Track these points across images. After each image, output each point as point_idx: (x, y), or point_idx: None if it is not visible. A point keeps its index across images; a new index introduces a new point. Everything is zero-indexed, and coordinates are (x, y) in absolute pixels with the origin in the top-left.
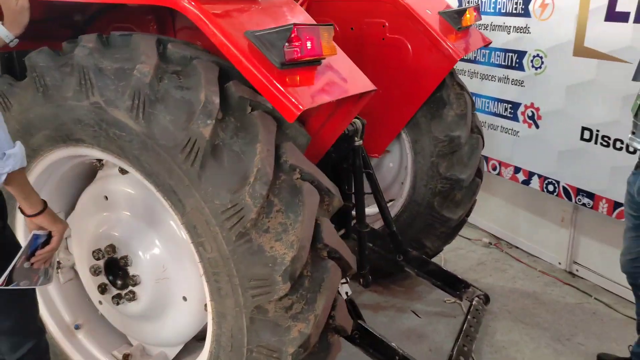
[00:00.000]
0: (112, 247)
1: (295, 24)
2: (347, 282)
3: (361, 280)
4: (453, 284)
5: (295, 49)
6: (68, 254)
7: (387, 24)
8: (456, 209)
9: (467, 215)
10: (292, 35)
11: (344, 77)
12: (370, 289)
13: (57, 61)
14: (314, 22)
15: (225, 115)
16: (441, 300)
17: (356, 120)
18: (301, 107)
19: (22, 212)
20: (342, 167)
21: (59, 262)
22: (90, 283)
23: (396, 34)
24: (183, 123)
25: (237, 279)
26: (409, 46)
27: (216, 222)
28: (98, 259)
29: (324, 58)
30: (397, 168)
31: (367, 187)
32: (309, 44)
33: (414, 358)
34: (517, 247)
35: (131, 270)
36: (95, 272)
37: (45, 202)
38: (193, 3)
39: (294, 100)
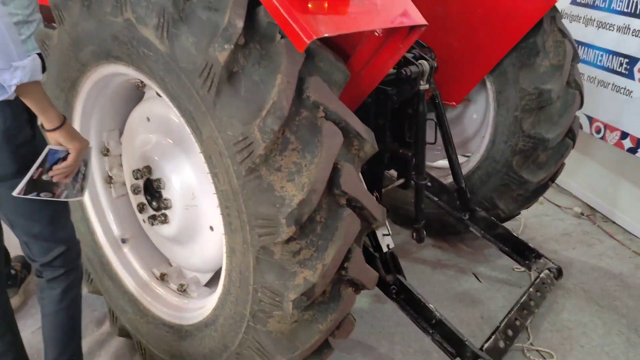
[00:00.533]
0: (148, 169)
1: None
2: (389, 234)
3: (414, 234)
4: (522, 252)
5: None
6: (121, 170)
7: None
8: (538, 171)
9: (552, 179)
10: None
11: (386, 7)
12: (434, 245)
13: None
14: None
15: (249, 41)
16: (510, 268)
17: (423, 61)
18: (313, 35)
19: (42, 126)
20: (404, 112)
21: (111, 178)
22: (133, 201)
23: None
24: (204, 46)
25: (245, 215)
26: None
27: (228, 154)
28: (137, 178)
29: None
30: (480, 120)
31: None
32: None
33: (452, 324)
34: (612, 222)
35: (164, 194)
36: (134, 191)
37: (64, 118)
38: None
39: (305, 26)
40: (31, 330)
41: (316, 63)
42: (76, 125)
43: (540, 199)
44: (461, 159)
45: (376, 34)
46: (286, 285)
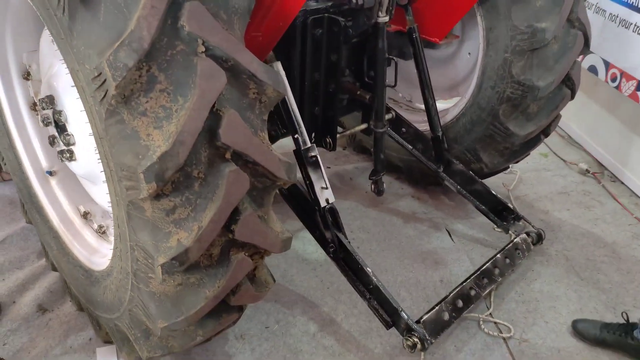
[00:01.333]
0: (50, 99)
1: None
2: (327, 188)
3: (372, 186)
4: (500, 212)
5: None
6: None
7: None
8: (527, 123)
9: (545, 133)
10: None
11: None
12: (413, 195)
13: None
14: None
15: None
16: (491, 227)
17: None
18: None
19: None
20: (362, 47)
21: (35, 104)
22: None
23: None
24: None
25: (112, 164)
26: None
27: (89, 92)
28: (43, 108)
29: None
30: (474, 61)
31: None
32: None
33: (388, 291)
34: (621, 182)
35: (68, 128)
36: (44, 122)
37: None
38: None
39: None
40: None
41: None
42: None
43: (545, 150)
44: (449, 104)
45: None
46: (158, 247)
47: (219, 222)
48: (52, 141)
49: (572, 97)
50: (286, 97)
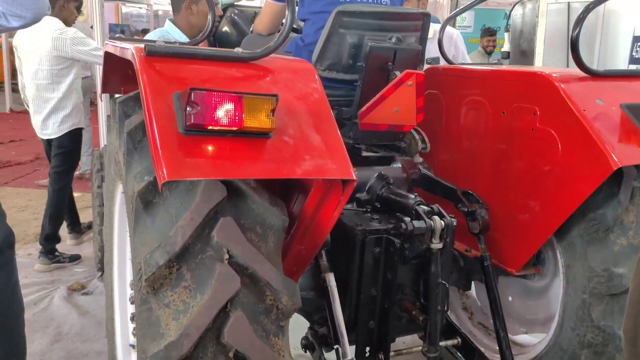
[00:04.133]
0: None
1: (192, 89)
2: None
3: None
4: None
5: (198, 114)
6: None
7: (538, 112)
8: None
9: None
10: (191, 100)
11: (303, 156)
12: None
13: None
14: (259, 93)
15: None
16: None
17: (436, 217)
18: (165, 177)
19: None
20: (418, 270)
21: None
22: None
23: (546, 126)
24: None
25: (138, 345)
26: (559, 142)
27: (135, 278)
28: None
29: (267, 131)
30: (553, 298)
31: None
32: (220, 113)
33: None
34: None
35: None
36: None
37: None
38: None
39: (164, 168)
40: None
41: (248, 204)
42: None
43: None
44: (532, 339)
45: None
46: None
47: None
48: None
49: None
50: (333, 307)
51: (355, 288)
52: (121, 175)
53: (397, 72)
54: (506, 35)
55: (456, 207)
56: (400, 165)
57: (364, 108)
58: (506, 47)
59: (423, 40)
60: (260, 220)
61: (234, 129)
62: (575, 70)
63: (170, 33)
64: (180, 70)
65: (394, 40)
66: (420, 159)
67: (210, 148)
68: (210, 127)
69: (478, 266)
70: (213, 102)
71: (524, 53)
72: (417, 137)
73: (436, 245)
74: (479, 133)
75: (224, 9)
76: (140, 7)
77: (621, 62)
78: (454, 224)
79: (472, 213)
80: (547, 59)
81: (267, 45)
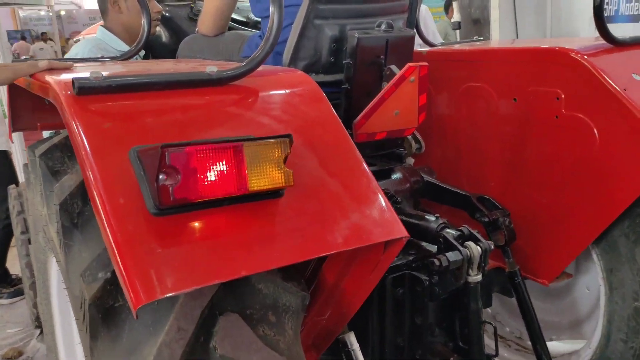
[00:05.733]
0: None
1: (165, 147)
2: None
3: None
4: None
5: (180, 185)
6: None
7: (562, 96)
8: None
9: None
10: (166, 164)
11: (332, 215)
12: None
13: None
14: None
15: None
16: None
17: (471, 244)
18: (142, 299)
19: None
20: (452, 307)
21: None
22: None
23: (576, 111)
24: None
25: None
26: (595, 131)
27: None
28: None
29: (278, 190)
30: (595, 298)
31: None
32: (212, 175)
33: None
34: None
35: None
36: None
37: None
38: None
39: (137, 285)
40: None
41: (252, 286)
42: None
43: None
44: (573, 346)
45: None
46: None
47: None
48: None
49: None
50: None
51: (378, 341)
52: (57, 255)
53: (393, 67)
54: (455, 4)
55: (473, 217)
56: (402, 176)
57: (359, 117)
58: (456, 16)
59: (411, 23)
60: (272, 304)
61: (234, 195)
62: (589, 39)
63: (105, 41)
64: (133, 110)
65: (383, 27)
66: (412, 161)
67: (201, 233)
68: (198, 201)
69: (498, 277)
70: (200, 162)
71: (477, 22)
72: (408, 136)
73: (474, 277)
74: (483, 126)
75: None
76: (39, 10)
77: (583, 25)
78: (492, 247)
79: (494, 222)
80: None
81: (248, 58)
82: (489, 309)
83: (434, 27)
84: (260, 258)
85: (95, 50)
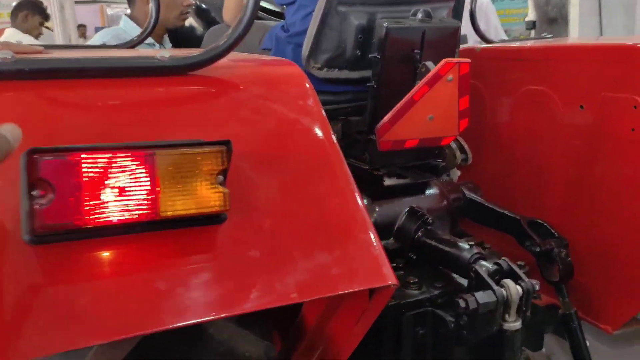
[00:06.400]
0: None
1: (37, 151)
2: None
3: None
4: None
5: (53, 206)
6: None
7: None
8: None
9: None
10: (37, 175)
11: (296, 253)
12: None
13: None
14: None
15: None
16: None
17: (509, 282)
18: None
19: None
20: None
21: None
22: None
23: None
24: None
25: None
26: None
27: None
28: None
29: (217, 214)
30: None
31: None
32: (106, 194)
33: None
34: None
35: None
36: None
37: None
38: None
39: None
40: None
41: (204, 329)
42: None
43: None
44: None
45: None
46: None
47: None
48: None
49: None
50: None
51: None
52: None
53: (429, 63)
54: (530, 2)
55: (522, 244)
56: (438, 192)
57: (384, 120)
58: (531, 15)
59: (458, 12)
60: (227, 353)
61: (142, 221)
62: None
63: (126, 31)
64: (47, 102)
65: (420, 16)
66: (458, 173)
67: (86, 272)
68: (84, 227)
69: (554, 316)
70: (88, 175)
71: (553, 21)
72: (453, 145)
73: (512, 324)
74: (543, 137)
75: None
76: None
77: None
78: (537, 288)
79: (548, 253)
80: (582, 27)
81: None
82: (543, 348)
83: (497, 22)
84: (186, 309)
85: (114, 40)
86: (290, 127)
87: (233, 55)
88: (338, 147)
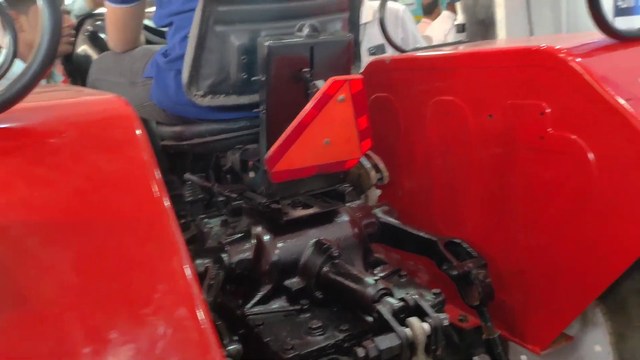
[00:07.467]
0: None
1: None
2: None
3: None
4: None
5: None
6: None
7: (548, 110)
8: None
9: None
10: None
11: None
12: None
13: None
14: None
15: None
16: None
17: (414, 320)
18: None
19: None
20: None
21: None
22: None
23: (565, 131)
24: None
25: None
26: (591, 156)
27: None
28: None
29: None
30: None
31: None
32: None
33: None
34: None
35: None
36: None
37: None
38: None
39: None
40: None
41: None
42: None
43: None
44: None
45: None
46: None
47: None
48: None
49: None
50: None
51: None
52: None
53: (320, 82)
54: (458, 4)
55: (440, 267)
56: (348, 219)
57: (271, 150)
58: (460, 18)
59: (354, 24)
60: None
61: None
62: (591, 34)
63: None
64: None
65: (306, 31)
66: (378, 193)
67: None
68: None
69: (479, 338)
70: None
71: (483, 22)
72: (367, 164)
73: None
74: (457, 150)
75: (80, 22)
76: None
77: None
78: (445, 323)
79: (466, 276)
80: (509, 28)
81: None
82: None
83: (414, 29)
84: None
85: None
86: (103, 183)
87: (45, 92)
88: (168, 202)
